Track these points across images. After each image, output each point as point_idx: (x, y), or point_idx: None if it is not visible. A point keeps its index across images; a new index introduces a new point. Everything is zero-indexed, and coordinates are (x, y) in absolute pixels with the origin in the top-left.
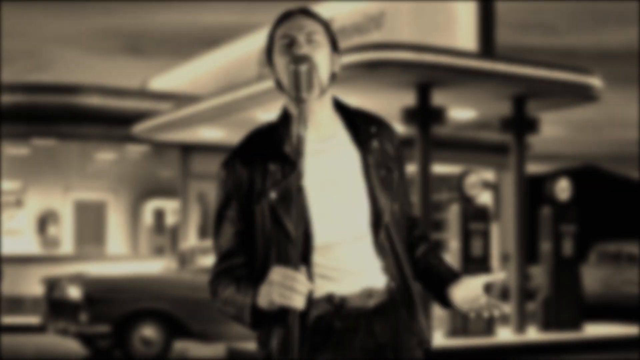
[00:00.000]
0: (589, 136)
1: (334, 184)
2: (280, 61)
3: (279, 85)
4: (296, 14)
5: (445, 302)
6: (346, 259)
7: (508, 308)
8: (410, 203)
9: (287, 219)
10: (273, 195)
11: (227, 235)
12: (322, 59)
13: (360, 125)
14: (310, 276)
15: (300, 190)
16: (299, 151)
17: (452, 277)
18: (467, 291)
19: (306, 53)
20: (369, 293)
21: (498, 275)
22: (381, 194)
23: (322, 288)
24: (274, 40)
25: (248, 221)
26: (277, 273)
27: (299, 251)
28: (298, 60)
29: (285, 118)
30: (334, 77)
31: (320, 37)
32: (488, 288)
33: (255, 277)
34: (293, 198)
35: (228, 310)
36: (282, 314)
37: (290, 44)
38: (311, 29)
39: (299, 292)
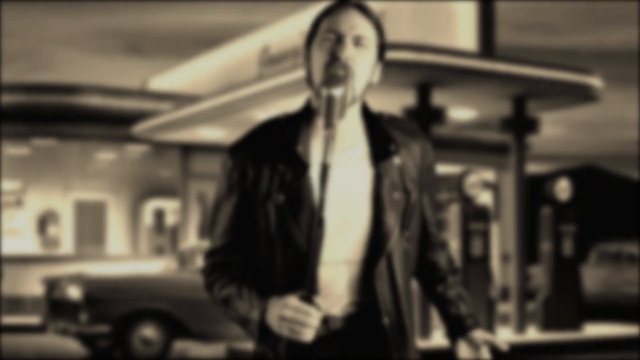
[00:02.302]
0: (589, 136)
1: (339, 201)
2: (318, 56)
3: (309, 79)
4: (351, 7)
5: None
6: (325, 281)
7: None
8: (437, 226)
9: (294, 225)
10: (280, 198)
11: (223, 228)
12: (364, 67)
13: (381, 139)
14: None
15: (322, 222)
16: (324, 180)
17: (470, 323)
18: (471, 346)
19: (349, 57)
20: (324, 320)
21: (502, 344)
22: (389, 218)
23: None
24: (318, 29)
25: (248, 219)
26: (289, 309)
27: (314, 277)
28: (332, 81)
29: (306, 112)
30: (369, 86)
31: (370, 43)
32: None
33: (259, 281)
34: (312, 227)
35: (228, 312)
36: None
37: (336, 42)
38: (362, 33)
39: (311, 326)
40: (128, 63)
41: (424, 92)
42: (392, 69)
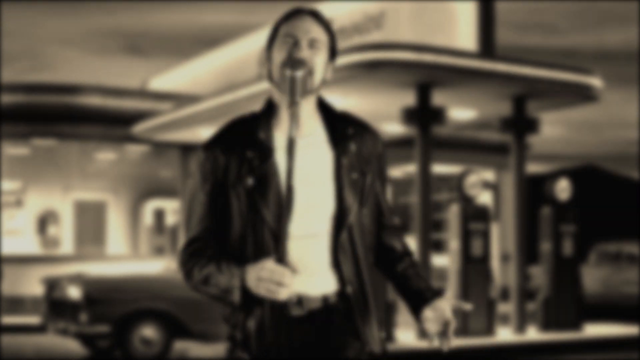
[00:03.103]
0: (589, 136)
1: (302, 180)
2: (278, 57)
3: (270, 76)
4: (305, 14)
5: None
6: (296, 256)
7: (449, 345)
8: (391, 210)
9: (264, 205)
10: (250, 181)
11: (198, 216)
12: (318, 65)
13: (338, 126)
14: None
15: (291, 190)
16: (291, 152)
17: (430, 295)
18: (436, 315)
19: (305, 57)
20: (299, 300)
21: (465, 305)
22: (349, 195)
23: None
24: (277, 34)
25: (221, 204)
26: (266, 270)
27: (285, 243)
28: (295, 65)
29: (268, 108)
30: (323, 83)
31: (322, 45)
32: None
33: (233, 258)
34: (284, 195)
35: (209, 290)
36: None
37: (293, 45)
38: (315, 36)
39: (286, 285)
40: (128, 63)
41: (424, 92)
42: (392, 69)
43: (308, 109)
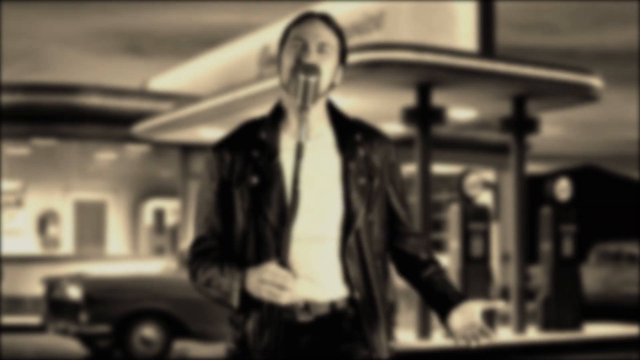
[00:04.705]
0: (589, 136)
1: (307, 182)
2: (287, 60)
3: (280, 80)
4: (316, 18)
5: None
6: (301, 259)
7: (492, 335)
8: (410, 218)
9: (266, 205)
10: (254, 179)
11: (205, 215)
12: (327, 70)
13: (347, 132)
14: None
15: (297, 194)
16: (299, 157)
17: (456, 299)
18: (465, 318)
19: (315, 62)
20: (306, 306)
21: (498, 303)
22: (356, 199)
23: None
24: (288, 37)
25: (226, 202)
26: (269, 272)
27: (288, 246)
28: (309, 70)
29: (277, 111)
30: (332, 87)
31: (331, 49)
32: (489, 314)
33: (236, 259)
34: (288, 197)
35: (211, 293)
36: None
37: (302, 49)
38: (325, 40)
39: (289, 289)
40: (128, 63)
41: (424, 92)
42: (392, 69)
43: (316, 112)
